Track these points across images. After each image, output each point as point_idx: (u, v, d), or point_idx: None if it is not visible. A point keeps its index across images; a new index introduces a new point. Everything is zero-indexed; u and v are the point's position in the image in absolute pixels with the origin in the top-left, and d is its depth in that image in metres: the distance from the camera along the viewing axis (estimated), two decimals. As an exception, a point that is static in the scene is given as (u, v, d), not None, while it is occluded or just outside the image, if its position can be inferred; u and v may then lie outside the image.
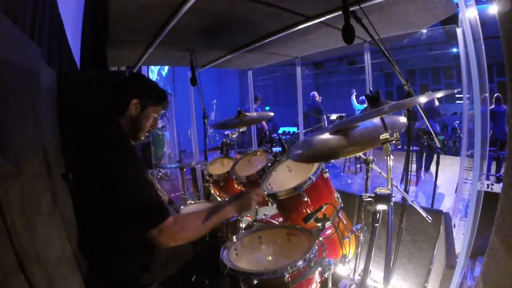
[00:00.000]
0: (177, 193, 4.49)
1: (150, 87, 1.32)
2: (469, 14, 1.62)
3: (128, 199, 1.04)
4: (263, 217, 1.86)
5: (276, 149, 1.96)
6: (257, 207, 1.97)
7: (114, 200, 1.06)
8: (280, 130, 8.12)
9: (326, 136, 1.34)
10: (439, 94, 1.07)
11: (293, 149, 1.42)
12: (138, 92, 1.26)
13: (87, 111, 1.31)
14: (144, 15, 1.75)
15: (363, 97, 7.12)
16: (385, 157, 1.07)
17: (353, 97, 7.72)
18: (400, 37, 2.72)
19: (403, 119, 1.28)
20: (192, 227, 1.13)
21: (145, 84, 1.32)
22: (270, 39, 2.28)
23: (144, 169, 1.27)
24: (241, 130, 2.38)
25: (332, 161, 6.81)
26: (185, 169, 2.55)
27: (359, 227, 1.53)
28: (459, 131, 6.65)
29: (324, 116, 7.04)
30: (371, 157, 1.46)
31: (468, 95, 2.29)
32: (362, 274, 1.17)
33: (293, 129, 7.82)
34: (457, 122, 7.23)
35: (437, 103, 5.55)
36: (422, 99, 1.09)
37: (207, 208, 1.21)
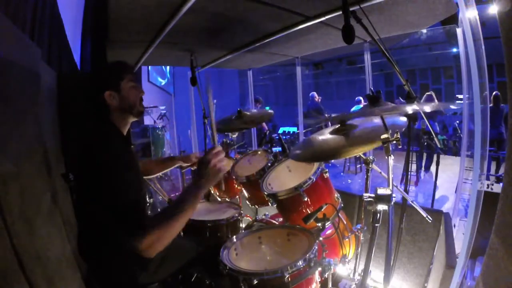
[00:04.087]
0: (177, 193, 4.49)
1: (105, 71, 1.28)
2: (469, 14, 1.62)
3: (111, 201, 1.03)
4: (263, 217, 1.86)
5: (276, 149, 1.96)
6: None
7: (103, 201, 1.06)
8: (280, 130, 8.11)
9: (326, 136, 1.34)
10: (434, 107, 1.07)
11: (293, 148, 1.42)
12: (101, 84, 1.22)
13: (86, 112, 1.31)
14: (144, 15, 1.75)
15: (359, 98, 7.04)
16: (385, 157, 1.07)
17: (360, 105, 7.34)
18: (400, 37, 2.72)
19: (403, 118, 1.28)
20: (167, 228, 1.01)
21: (99, 73, 1.29)
22: (270, 39, 2.28)
23: (133, 171, 1.20)
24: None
25: (332, 161, 6.82)
26: (185, 169, 2.55)
27: (359, 227, 1.54)
28: (459, 131, 6.65)
29: (326, 115, 7.00)
30: (371, 157, 1.46)
31: (468, 95, 2.29)
32: (362, 274, 1.17)
33: (293, 129, 7.82)
34: (457, 122, 7.22)
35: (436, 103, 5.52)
36: (427, 108, 1.08)
37: (173, 203, 1.07)
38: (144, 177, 1.74)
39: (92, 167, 1.07)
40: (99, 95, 1.20)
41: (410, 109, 1.03)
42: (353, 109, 6.93)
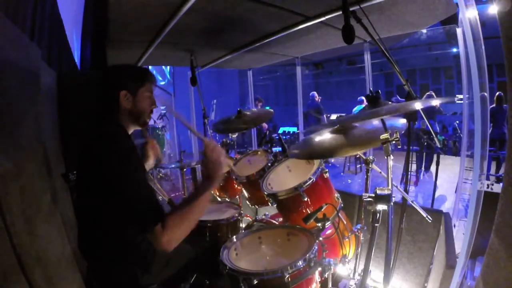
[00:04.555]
0: (177, 193, 4.49)
1: (130, 72, 1.26)
2: (469, 14, 1.62)
3: (123, 201, 1.04)
4: (263, 217, 1.86)
5: (276, 149, 1.96)
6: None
7: (111, 202, 1.06)
8: (280, 130, 8.12)
9: (326, 135, 1.34)
10: (436, 101, 1.07)
11: (292, 147, 1.42)
12: (121, 82, 1.21)
13: (86, 112, 1.31)
14: (144, 15, 1.75)
15: (362, 98, 7.01)
16: (385, 157, 1.07)
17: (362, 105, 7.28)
18: (400, 37, 2.72)
19: (402, 121, 1.28)
20: (185, 221, 1.05)
21: (124, 71, 1.27)
22: (270, 39, 2.28)
23: (142, 169, 1.23)
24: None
25: (332, 161, 6.82)
26: (185, 169, 2.55)
27: (359, 227, 1.54)
28: (459, 131, 6.65)
29: (324, 116, 7.01)
30: (371, 157, 1.46)
31: (468, 95, 2.29)
32: (362, 274, 1.17)
33: (293, 129, 7.82)
34: (457, 122, 7.22)
35: (437, 104, 5.53)
36: (419, 105, 1.08)
37: (186, 199, 1.12)
38: None
39: (101, 166, 1.06)
40: (115, 91, 1.19)
41: (409, 107, 1.03)
42: (355, 109, 6.92)
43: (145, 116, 1.27)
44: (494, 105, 5.38)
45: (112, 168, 1.04)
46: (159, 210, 1.04)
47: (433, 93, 5.73)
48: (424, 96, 5.14)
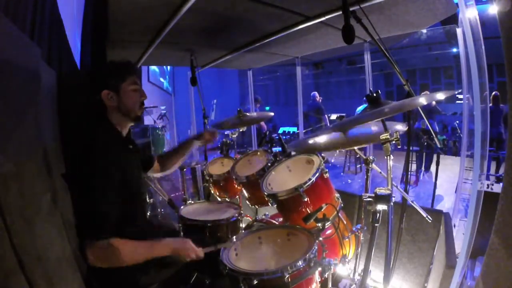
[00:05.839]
0: (177, 193, 4.49)
1: (109, 69, 1.24)
2: (469, 14, 1.62)
3: (80, 203, 1.07)
4: (263, 217, 1.86)
5: (276, 149, 1.96)
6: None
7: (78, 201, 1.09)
8: (280, 130, 8.11)
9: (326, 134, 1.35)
10: (439, 96, 1.07)
11: (292, 142, 1.42)
12: (102, 82, 1.20)
13: (85, 112, 1.31)
14: (144, 15, 1.75)
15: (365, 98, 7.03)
16: (385, 157, 1.07)
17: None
18: (400, 37, 2.72)
19: (400, 127, 1.27)
20: (123, 256, 1.06)
21: (102, 70, 1.26)
22: (270, 39, 2.28)
23: (116, 181, 1.14)
24: (241, 130, 2.38)
25: (332, 161, 6.82)
26: (185, 169, 2.55)
27: (359, 227, 1.53)
28: (459, 131, 6.65)
29: (326, 116, 7.02)
30: (371, 157, 1.46)
31: (468, 95, 2.29)
32: (362, 274, 1.17)
33: (293, 129, 7.81)
34: (457, 122, 7.22)
35: (434, 103, 5.53)
36: (422, 101, 1.08)
37: (147, 242, 1.15)
38: (167, 172, 1.77)
39: (77, 167, 1.09)
40: (97, 93, 1.19)
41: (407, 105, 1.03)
42: (359, 108, 6.92)
43: (135, 111, 1.25)
44: (490, 104, 5.39)
45: (85, 172, 1.08)
46: (104, 227, 1.04)
47: (428, 93, 5.75)
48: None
